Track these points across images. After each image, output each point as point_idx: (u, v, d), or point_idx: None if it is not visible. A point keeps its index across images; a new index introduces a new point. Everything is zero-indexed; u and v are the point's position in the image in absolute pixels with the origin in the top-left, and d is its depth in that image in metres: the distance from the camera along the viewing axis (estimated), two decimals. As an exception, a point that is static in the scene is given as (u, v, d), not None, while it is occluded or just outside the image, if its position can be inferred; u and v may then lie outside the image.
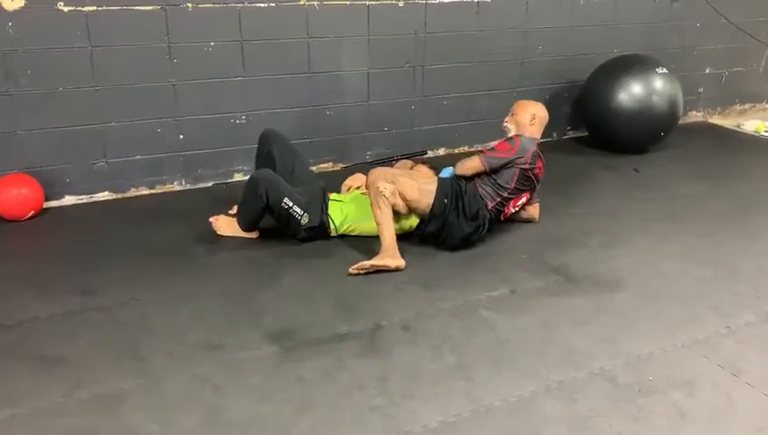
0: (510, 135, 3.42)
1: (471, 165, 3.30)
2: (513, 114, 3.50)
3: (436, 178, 3.35)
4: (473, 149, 4.86)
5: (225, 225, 3.37)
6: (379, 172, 3.21)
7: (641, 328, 2.71)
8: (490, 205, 3.29)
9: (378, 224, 3.13)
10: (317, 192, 3.38)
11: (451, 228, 3.23)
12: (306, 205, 3.25)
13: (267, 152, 3.51)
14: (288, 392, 2.29)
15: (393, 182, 3.15)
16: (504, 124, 3.50)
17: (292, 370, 2.40)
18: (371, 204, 3.15)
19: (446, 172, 3.40)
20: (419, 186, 3.23)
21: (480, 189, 3.29)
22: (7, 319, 2.67)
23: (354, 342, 2.57)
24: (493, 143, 3.48)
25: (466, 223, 3.24)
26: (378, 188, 3.12)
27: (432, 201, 3.22)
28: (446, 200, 3.21)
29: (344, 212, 3.35)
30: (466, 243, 3.28)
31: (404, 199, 3.20)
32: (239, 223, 3.32)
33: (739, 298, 2.95)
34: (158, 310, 2.76)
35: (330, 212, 3.33)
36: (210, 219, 3.38)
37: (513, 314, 2.79)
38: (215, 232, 3.34)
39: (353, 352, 2.51)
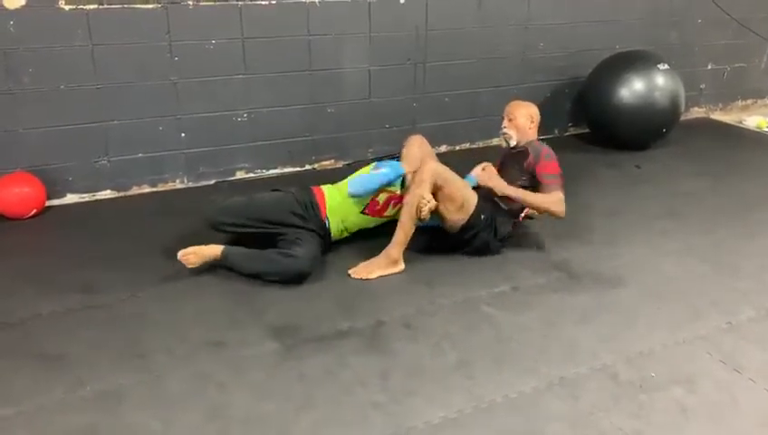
0: (512, 142, 3.28)
1: (561, 197, 3.11)
2: (510, 119, 3.31)
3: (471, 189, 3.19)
4: (474, 146, 4.86)
5: (199, 257, 2.96)
6: (432, 173, 3.00)
7: (643, 324, 2.71)
8: (511, 227, 3.27)
9: (401, 222, 3.02)
10: (314, 217, 3.13)
11: (479, 240, 3.17)
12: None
13: (234, 237, 3.17)
14: (290, 389, 2.29)
15: (442, 187, 3.02)
16: (504, 131, 3.31)
17: (294, 367, 2.41)
18: (405, 201, 3.03)
19: (470, 180, 3.29)
20: (463, 200, 3.07)
21: (506, 208, 3.22)
22: (9, 317, 2.68)
23: (355, 339, 2.58)
24: (540, 167, 3.16)
25: (494, 243, 3.20)
26: (422, 198, 2.96)
27: (467, 217, 3.11)
28: (483, 216, 3.13)
29: (344, 227, 3.20)
30: (482, 254, 3.24)
31: (439, 211, 3.08)
32: (236, 262, 2.98)
33: (740, 294, 2.94)
34: (159, 307, 2.77)
35: (332, 237, 3.20)
36: (180, 257, 2.92)
37: (515, 310, 2.79)
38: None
39: (355, 350, 2.51)
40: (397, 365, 2.42)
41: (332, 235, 3.19)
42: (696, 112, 5.83)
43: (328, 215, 3.15)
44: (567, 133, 5.26)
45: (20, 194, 3.53)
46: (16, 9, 3.42)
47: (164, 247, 3.23)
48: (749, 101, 6.12)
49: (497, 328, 2.67)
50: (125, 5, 3.61)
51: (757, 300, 2.90)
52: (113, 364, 2.40)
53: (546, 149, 3.20)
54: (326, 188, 3.25)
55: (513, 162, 3.28)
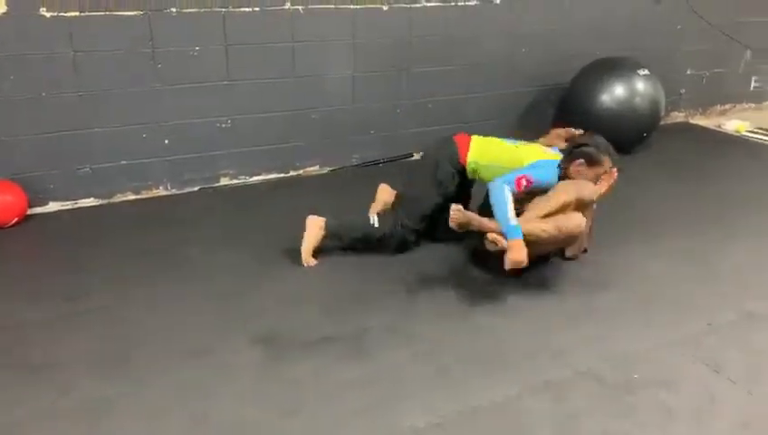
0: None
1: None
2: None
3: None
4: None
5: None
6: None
7: (627, 327, 2.74)
8: None
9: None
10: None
11: None
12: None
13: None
14: (274, 396, 2.29)
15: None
16: None
17: (279, 373, 2.40)
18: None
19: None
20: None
21: None
22: (-8, 326, 2.66)
23: (341, 344, 2.58)
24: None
25: None
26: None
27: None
28: None
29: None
30: None
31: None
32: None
33: (721, 297, 2.98)
34: (144, 315, 2.75)
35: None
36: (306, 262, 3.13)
37: (501, 314, 2.80)
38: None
39: (339, 355, 2.51)
40: (381, 371, 2.43)
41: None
42: (676, 117, 5.91)
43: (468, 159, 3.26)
44: (550, 138, 5.30)
45: (1, 202, 3.50)
46: (-3, 16, 3.41)
47: (149, 255, 3.21)
48: (728, 106, 6.21)
49: (482, 332, 2.68)
50: (107, 12, 3.60)
51: (737, 302, 2.93)
52: (98, 372, 2.38)
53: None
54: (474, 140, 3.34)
55: None
